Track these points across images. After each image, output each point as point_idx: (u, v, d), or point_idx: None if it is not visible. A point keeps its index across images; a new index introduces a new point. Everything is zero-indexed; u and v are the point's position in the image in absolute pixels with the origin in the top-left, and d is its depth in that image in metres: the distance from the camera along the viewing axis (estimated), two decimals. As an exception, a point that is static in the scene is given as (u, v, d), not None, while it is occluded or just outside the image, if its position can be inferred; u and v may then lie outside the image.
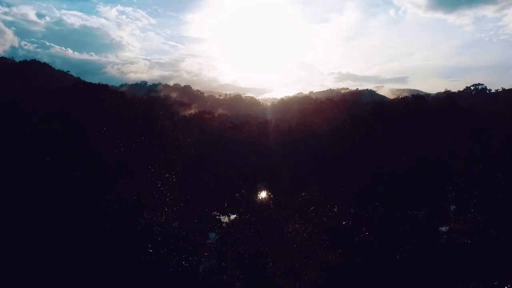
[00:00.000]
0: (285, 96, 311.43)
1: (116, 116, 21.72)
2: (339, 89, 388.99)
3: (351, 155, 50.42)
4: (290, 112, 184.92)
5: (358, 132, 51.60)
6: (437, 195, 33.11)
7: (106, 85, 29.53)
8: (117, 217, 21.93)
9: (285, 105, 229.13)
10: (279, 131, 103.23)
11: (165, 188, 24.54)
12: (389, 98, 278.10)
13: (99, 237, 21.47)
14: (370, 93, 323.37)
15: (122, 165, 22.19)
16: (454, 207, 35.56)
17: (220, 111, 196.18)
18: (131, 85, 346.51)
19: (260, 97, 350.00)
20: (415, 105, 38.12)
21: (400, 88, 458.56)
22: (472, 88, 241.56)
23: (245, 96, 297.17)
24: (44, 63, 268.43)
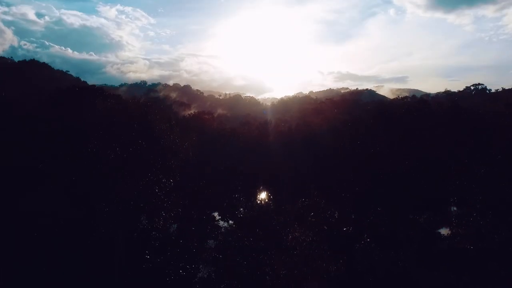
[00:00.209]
0: (285, 96, 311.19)
1: (111, 120, 21.29)
2: (339, 89, 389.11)
3: (351, 155, 50.03)
4: (290, 112, 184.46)
5: (358, 133, 51.22)
6: (438, 198, 32.76)
7: (101, 88, 29.05)
8: (113, 222, 21.53)
9: (285, 105, 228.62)
10: (279, 131, 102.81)
11: (162, 193, 24.15)
12: (389, 98, 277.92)
13: (95, 242, 21.07)
14: (370, 93, 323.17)
15: (118, 170, 21.80)
16: (455, 208, 35.25)
17: (219, 111, 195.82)
18: (131, 84, 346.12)
19: (260, 97, 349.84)
20: (417, 107, 37.71)
21: (400, 88, 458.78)
22: (472, 88, 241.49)
23: (245, 96, 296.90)
24: (43, 63, 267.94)
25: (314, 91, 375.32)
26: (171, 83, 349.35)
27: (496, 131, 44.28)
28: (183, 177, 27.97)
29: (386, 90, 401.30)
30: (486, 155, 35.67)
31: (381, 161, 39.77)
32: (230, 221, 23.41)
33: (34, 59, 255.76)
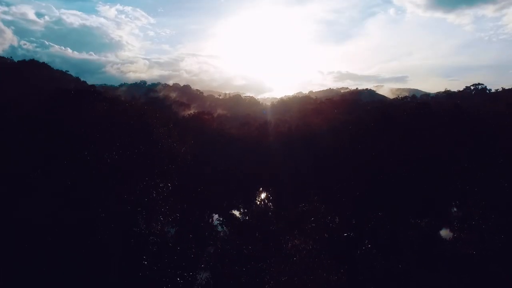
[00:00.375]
0: (285, 96, 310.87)
1: (107, 124, 20.95)
2: (338, 88, 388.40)
3: (351, 156, 49.74)
4: (290, 112, 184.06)
5: (359, 134, 50.89)
6: (440, 200, 32.51)
7: (98, 91, 28.65)
8: (110, 227, 21.20)
9: (285, 105, 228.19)
10: (278, 132, 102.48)
11: (160, 198, 23.84)
12: (389, 98, 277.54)
13: (90, 247, 20.73)
14: (370, 93, 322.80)
15: (114, 174, 21.48)
16: (456, 209, 34.95)
17: (219, 111, 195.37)
18: (131, 84, 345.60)
19: (259, 97, 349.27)
20: (418, 111, 37.36)
21: (400, 87, 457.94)
22: (472, 88, 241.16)
23: (245, 96, 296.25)
24: (43, 62, 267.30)
25: (314, 91, 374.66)
26: (171, 83, 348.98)
27: (497, 132, 43.99)
28: (181, 182, 27.61)
29: (386, 90, 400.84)
30: (488, 157, 35.39)
31: (381, 162, 39.53)
32: (229, 227, 22.99)
33: (33, 59, 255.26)
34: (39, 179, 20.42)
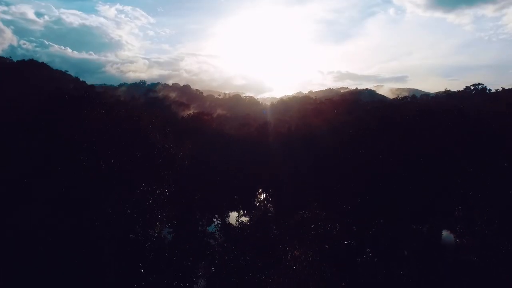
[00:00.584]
0: (285, 96, 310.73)
1: (102, 130, 20.58)
2: (338, 88, 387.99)
3: (351, 156, 49.37)
4: (290, 112, 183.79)
5: (359, 134, 50.51)
6: (442, 203, 32.21)
7: (91, 95, 28.23)
8: (105, 234, 20.85)
9: (285, 105, 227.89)
10: (278, 132, 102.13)
11: (157, 205, 23.48)
12: (389, 98, 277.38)
13: (85, 255, 20.36)
14: (370, 92, 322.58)
15: (110, 182, 21.12)
16: (457, 213, 34.55)
17: (219, 111, 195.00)
18: (130, 84, 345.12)
19: (259, 96, 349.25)
20: (421, 115, 36.99)
21: (399, 87, 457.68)
22: (472, 88, 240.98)
23: (245, 96, 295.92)
24: (42, 62, 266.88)
25: (313, 91, 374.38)
26: (170, 82, 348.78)
27: (498, 132, 43.66)
28: (178, 187, 27.27)
29: (386, 90, 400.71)
30: (488, 157, 35.05)
31: (382, 162, 39.20)
32: (226, 237, 22.49)
33: (32, 59, 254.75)
34: (33, 184, 20.12)
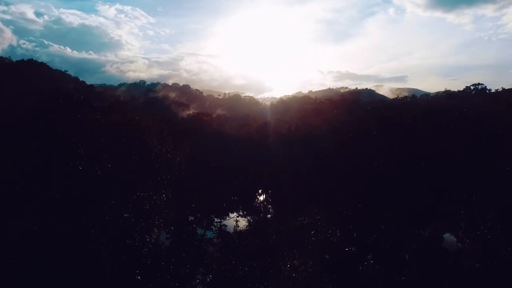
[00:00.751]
0: (284, 96, 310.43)
1: (97, 135, 20.25)
2: (338, 88, 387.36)
3: (351, 157, 49.11)
4: (290, 112, 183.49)
5: (359, 134, 50.25)
6: (443, 204, 31.95)
7: (86, 100, 27.85)
8: (100, 242, 20.48)
9: (285, 105, 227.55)
10: (278, 133, 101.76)
11: (153, 210, 23.15)
12: (389, 98, 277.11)
13: (80, 263, 20.02)
14: (370, 92, 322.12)
15: (105, 187, 20.78)
16: (461, 214, 34.12)
17: (219, 111, 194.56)
18: (130, 84, 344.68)
19: (259, 96, 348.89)
20: (424, 120, 36.62)
21: (399, 87, 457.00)
22: (472, 88, 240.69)
23: (244, 96, 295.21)
24: (42, 62, 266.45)
25: (313, 91, 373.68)
26: (170, 82, 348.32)
27: (498, 133, 43.38)
28: (176, 192, 26.95)
29: (385, 90, 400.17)
30: (491, 161, 34.71)
31: (382, 164, 38.95)
32: (223, 247, 22.06)
33: (32, 59, 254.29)
34: (32, 185, 19.82)
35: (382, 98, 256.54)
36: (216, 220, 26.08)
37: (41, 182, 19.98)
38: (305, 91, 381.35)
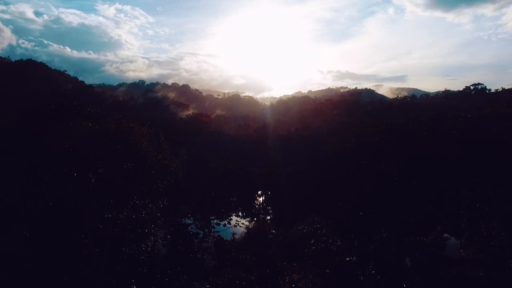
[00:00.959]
0: (284, 96, 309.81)
1: (89, 144, 19.69)
2: (338, 88, 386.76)
3: (352, 162, 48.57)
4: (290, 112, 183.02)
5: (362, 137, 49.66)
6: (445, 209, 31.46)
7: (80, 105, 27.26)
8: (94, 253, 19.99)
9: (284, 105, 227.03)
10: (277, 135, 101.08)
11: (149, 219, 22.67)
12: (389, 98, 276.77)
13: (74, 272, 19.51)
14: (370, 92, 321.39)
15: (99, 195, 20.25)
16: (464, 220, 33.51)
17: (218, 111, 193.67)
18: (130, 84, 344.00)
19: (259, 96, 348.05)
20: (431, 126, 36.02)
21: (399, 87, 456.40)
22: (471, 87, 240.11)
23: (244, 96, 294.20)
24: (40, 62, 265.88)
25: (313, 90, 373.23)
26: (170, 82, 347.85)
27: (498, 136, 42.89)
28: (172, 199, 26.41)
29: (385, 89, 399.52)
30: (494, 166, 34.15)
31: (383, 168, 38.44)
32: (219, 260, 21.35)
33: (30, 59, 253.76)
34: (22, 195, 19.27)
35: (382, 98, 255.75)
36: (214, 226, 25.29)
37: (30, 193, 19.46)
38: (304, 90, 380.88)
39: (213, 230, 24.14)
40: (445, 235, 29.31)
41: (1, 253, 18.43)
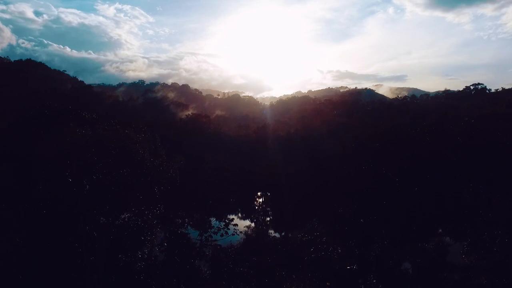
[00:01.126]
0: (284, 95, 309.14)
1: (83, 150, 19.29)
2: (337, 87, 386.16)
3: (353, 165, 48.07)
4: (289, 112, 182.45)
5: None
6: (447, 213, 31.04)
7: (74, 110, 26.80)
8: (90, 261, 19.58)
9: (284, 105, 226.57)
10: (277, 136, 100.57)
11: (146, 226, 22.26)
12: (389, 98, 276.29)
13: (69, 279, 19.11)
14: (369, 92, 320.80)
15: (94, 202, 19.85)
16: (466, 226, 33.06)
17: (218, 111, 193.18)
18: (129, 84, 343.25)
19: (259, 96, 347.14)
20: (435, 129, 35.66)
21: (399, 86, 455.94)
22: (471, 87, 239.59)
23: (244, 95, 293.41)
24: (40, 62, 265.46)
25: (313, 90, 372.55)
26: (170, 81, 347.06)
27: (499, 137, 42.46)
28: (169, 206, 25.97)
29: (385, 89, 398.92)
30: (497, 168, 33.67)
31: (385, 171, 37.98)
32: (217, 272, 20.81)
33: (30, 59, 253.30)
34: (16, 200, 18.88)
35: (381, 98, 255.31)
36: (211, 235, 24.32)
37: (22, 199, 19.06)
38: (304, 90, 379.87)
39: (210, 239, 23.54)
40: (447, 240, 28.92)
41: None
